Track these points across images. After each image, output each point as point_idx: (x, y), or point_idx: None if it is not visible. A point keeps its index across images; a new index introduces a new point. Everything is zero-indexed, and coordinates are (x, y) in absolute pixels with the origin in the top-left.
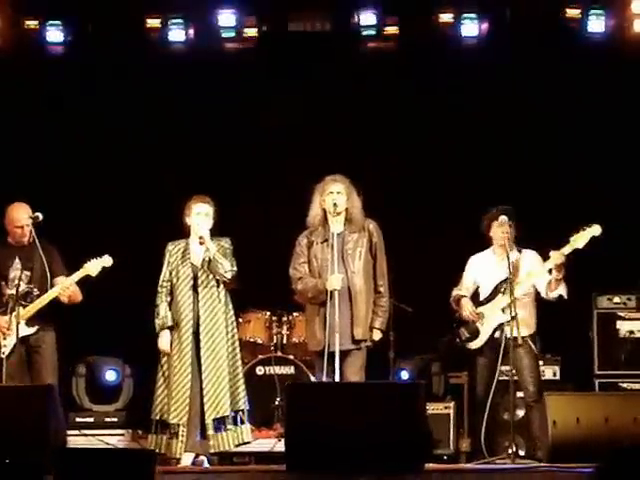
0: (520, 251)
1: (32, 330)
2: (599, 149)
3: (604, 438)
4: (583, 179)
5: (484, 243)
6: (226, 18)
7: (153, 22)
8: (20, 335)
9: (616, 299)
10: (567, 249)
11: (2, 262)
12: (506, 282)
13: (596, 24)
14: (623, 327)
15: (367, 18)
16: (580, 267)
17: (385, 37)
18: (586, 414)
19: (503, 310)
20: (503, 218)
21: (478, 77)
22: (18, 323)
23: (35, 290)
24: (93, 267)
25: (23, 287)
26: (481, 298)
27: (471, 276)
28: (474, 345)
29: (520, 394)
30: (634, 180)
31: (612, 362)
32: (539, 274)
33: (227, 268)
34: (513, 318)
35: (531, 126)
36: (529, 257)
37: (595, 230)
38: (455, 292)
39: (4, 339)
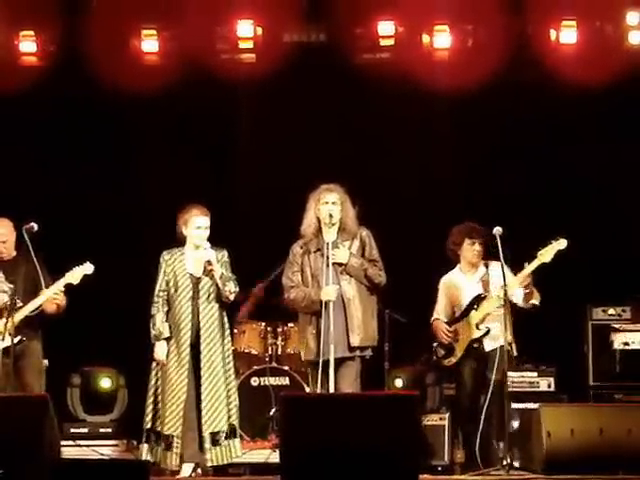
0: (487, 265)
1: (15, 340)
2: (598, 161)
3: (598, 449)
4: (580, 188)
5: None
6: (222, 29)
7: (148, 32)
8: (3, 347)
9: (611, 311)
10: (534, 264)
11: None
12: (478, 298)
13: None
14: (617, 339)
15: (363, 31)
16: (575, 279)
17: (381, 48)
18: (580, 425)
19: (477, 326)
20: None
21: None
22: (4, 335)
23: (19, 302)
24: (75, 275)
25: (6, 299)
26: (456, 315)
27: (445, 298)
28: (450, 362)
29: (515, 405)
30: (627, 190)
31: (607, 374)
32: (511, 286)
33: (232, 289)
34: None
35: (528, 137)
36: (497, 270)
37: (560, 244)
38: (432, 319)
39: None
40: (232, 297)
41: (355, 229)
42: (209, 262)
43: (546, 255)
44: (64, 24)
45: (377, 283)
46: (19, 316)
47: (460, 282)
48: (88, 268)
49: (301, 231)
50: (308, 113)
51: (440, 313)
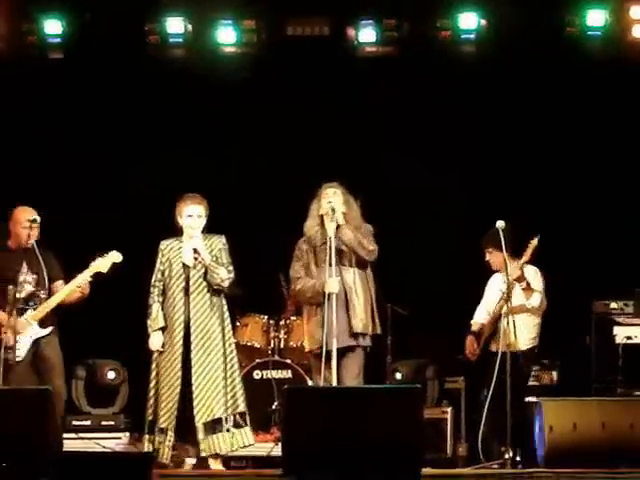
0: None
1: (46, 331)
2: (603, 155)
3: (601, 443)
4: (585, 183)
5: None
6: (224, 22)
7: (151, 26)
8: (36, 337)
9: (613, 305)
10: (522, 261)
11: (11, 267)
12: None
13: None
14: (620, 333)
15: (366, 33)
16: (578, 272)
17: (385, 41)
18: (583, 419)
19: (492, 324)
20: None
21: (477, 82)
22: (14, 329)
23: (42, 293)
24: (103, 264)
25: (29, 290)
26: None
27: (486, 294)
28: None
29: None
30: (633, 184)
31: (609, 368)
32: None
33: (224, 276)
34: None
35: (531, 132)
36: (527, 271)
37: (533, 243)
38: (474, 319)
39: (12, 342)
40: (225, 284)
41: (360, 224)
42: (195, 250)
43: (527, 253)
44: None
45: (371, 250)
46: (46, 308)
47: (493, 283)
48: (116, 257)
49: (304, 230)
50: (309, 107)
51: (483, 307)
